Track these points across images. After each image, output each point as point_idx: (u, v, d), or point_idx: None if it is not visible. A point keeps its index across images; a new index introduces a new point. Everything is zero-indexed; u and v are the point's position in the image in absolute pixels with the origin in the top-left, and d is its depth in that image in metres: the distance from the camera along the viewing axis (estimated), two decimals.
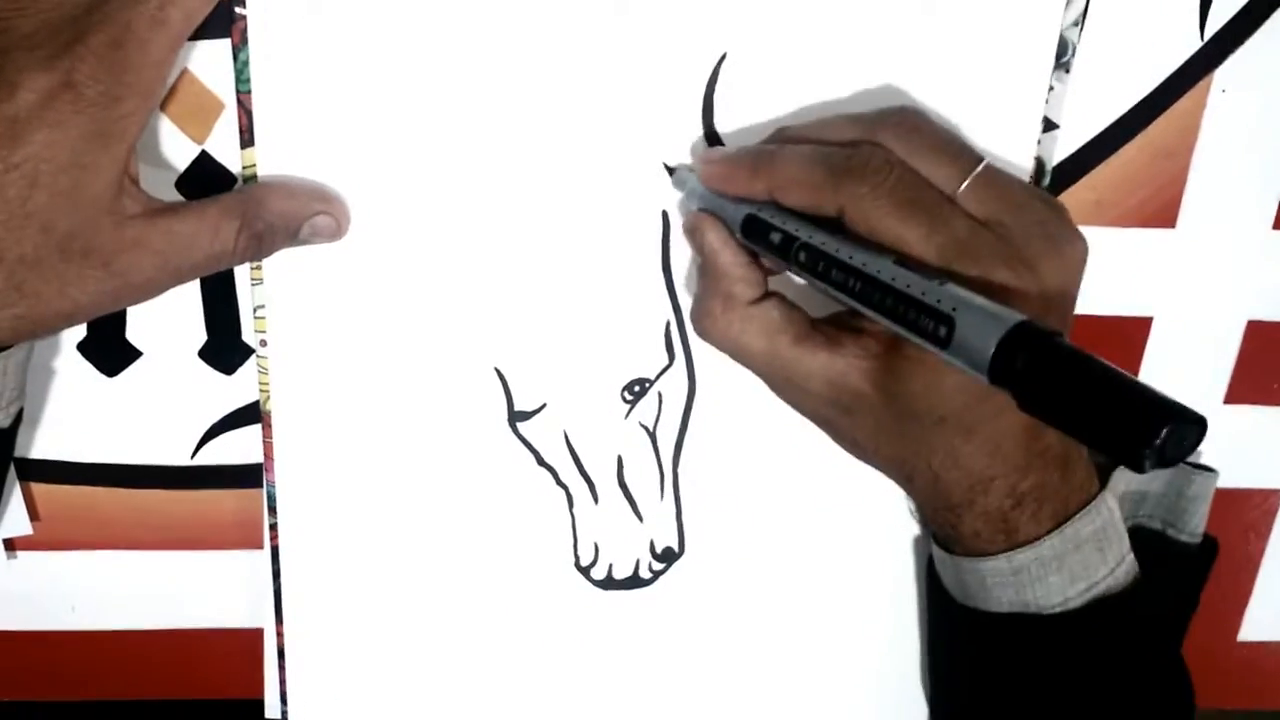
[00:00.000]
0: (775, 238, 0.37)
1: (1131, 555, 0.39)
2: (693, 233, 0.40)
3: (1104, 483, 0.39)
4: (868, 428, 0.39)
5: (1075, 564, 0.38)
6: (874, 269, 0.34)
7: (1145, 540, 0.40)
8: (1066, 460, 0.38)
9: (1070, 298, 0.37)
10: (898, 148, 0.36)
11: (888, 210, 0.35)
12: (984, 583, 0.39)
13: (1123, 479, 0.41)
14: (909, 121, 0.37)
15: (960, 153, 0.37)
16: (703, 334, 0.40)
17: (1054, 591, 0.38)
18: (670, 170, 0.42)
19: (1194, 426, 0.27)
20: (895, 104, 0.40)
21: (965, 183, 0.36)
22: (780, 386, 0.40)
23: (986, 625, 0.40)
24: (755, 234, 0.38)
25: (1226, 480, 0.49)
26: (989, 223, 0.35)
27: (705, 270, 0.40)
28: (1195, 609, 0.44)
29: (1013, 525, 0.38)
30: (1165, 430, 0.27)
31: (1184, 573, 0.44)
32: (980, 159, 0.37)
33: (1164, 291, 0.46)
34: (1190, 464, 0.45)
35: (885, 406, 0.37)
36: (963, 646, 0.42)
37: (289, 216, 0.39)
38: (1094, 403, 0.28)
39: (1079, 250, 0.37)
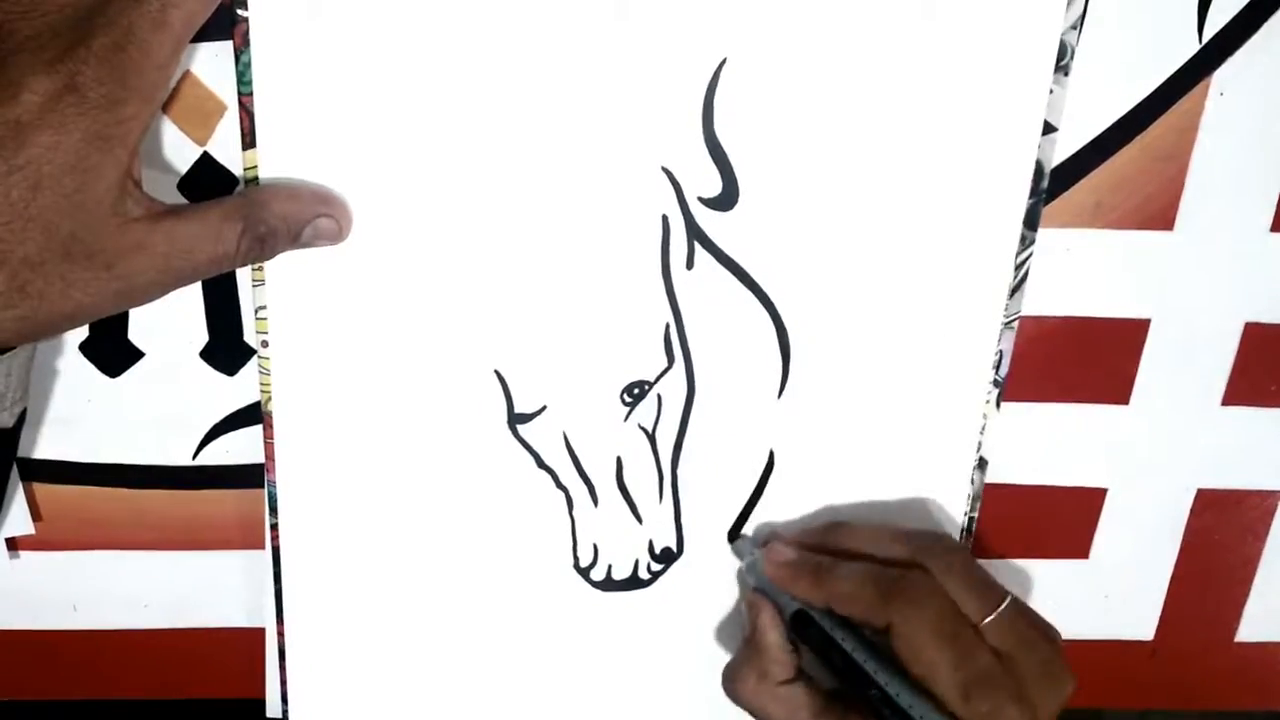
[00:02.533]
0: (819, 640, 0.43)
1: None
2: (749, 610, 0.45)
3: None
4: None
5: None
6: (905, 703, 0.40)
7: None
8: None
9: None
10: (938, 573, 0.42)
11: (928, 638, 0.40)
12: None
13: None
14: (950, 552, 0.43)
15: (990, 587, 0.42)
16: (731, 694, 0.45)
17: None
18: (732, 539, 0.47)
19: None
20: (933, 528, 0.47)
21: (991, 618, 0.41)
22: None
23: None
24: (801, 628, 0.44)
25: (1225, 481, 0.49)
26: (1004, 656, 0.41)
27: (749, 642, 0.45)
28: None
29: None
30: None
31: None
32: (1005, 595, 0.42)
33: (1162, 294, 0.46)
34: None
35: None
36: None
37: (291, 219, 0.39)
38: None
39: (1070, 688, 0.42)
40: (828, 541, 0.45)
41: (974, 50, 0.41)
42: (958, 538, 0.48)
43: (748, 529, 0.47)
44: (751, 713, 0.45)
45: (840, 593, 0.43)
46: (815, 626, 0.43)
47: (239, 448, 0.46)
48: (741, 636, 0.47)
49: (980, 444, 0.47)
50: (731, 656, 0.46)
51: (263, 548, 0.46)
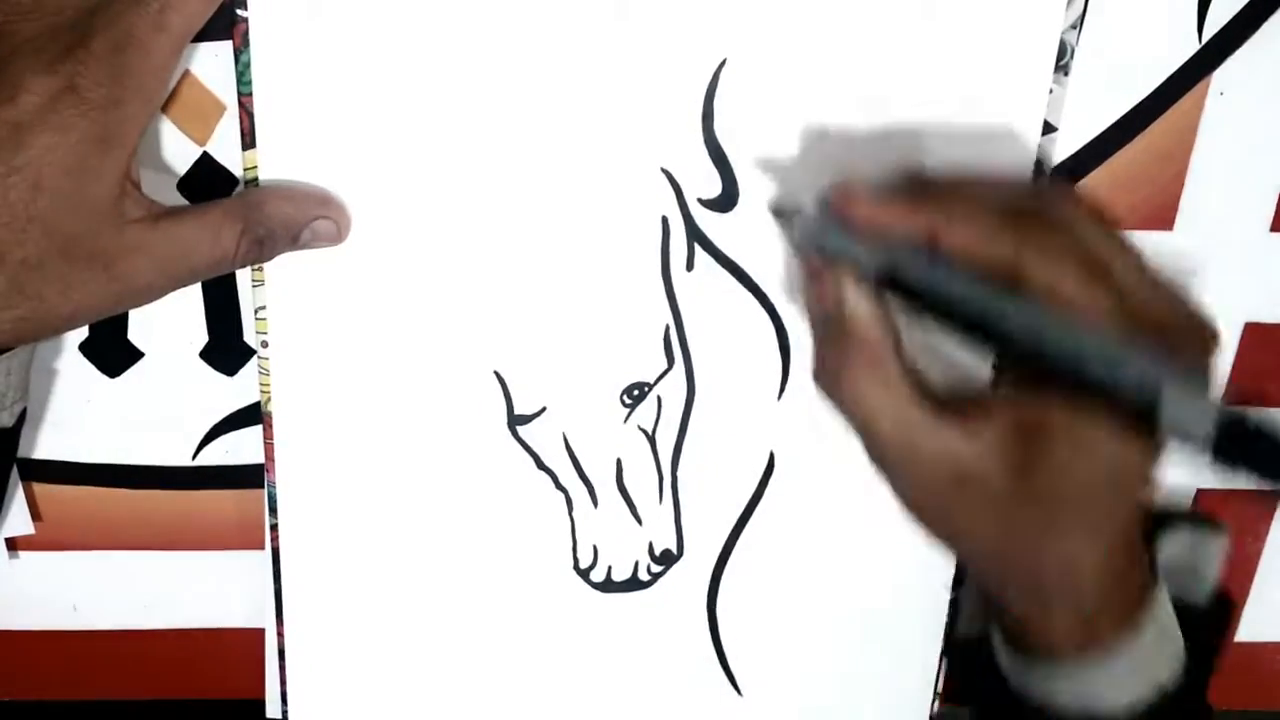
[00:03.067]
0: (931, 294, 0.33)
1: (1183, 644, 0.38)
2: (821, 282, 0.35)
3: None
4: (983, 513, 0.35)
5: (1143, 665, 0.37)
6: (1071, 337, 0.31)
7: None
8: (1143, 550, 0.37)
9: None
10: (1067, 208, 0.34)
11: (1071, 271, 0.32)
12: (1056, 685, 0.37)
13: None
14: (1071, 194, 0.36)
15: (1120, 236, 0.34)
16: (833, 393, 0.36)
17: (1124, 694, 0.37)
18: (778, 214, 0.39)
19: None
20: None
21: (1126, 264, 0.33)
22: (898, 462, 0.36)
23: None
24: (898, 285, 0.34)
25: (1223, 482, 0.49)
26: (1147, 307, 0.33)
27: (837, 324, 0.35)
28: (1214, 671, 0.42)
29: (1097, 624, 0.36)
30: None
31: (1204, 637, 0.41)
32: (1128, 237, 0.34)
33: None
34: (1203, 521, 0.43)
35: (1012, 492, 0.34)
36: None
37: (290, 221, 0.39)
38: None
39: (1219, 342, 0.34)
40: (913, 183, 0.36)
41: (974, 50, 0.41)
42: None
43: (749, 526, 0.47)
44: (854, 415, 0.36)
45: (955, 212, 0.33)
46: (918, 276, 0.33)
47: (239, 448, 0.46)
48: (813, 324, 0.38)
49: None
50: (728, 657, 0.45)
51: (263, 548, 0.46)
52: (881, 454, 0.36)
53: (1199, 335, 0.34)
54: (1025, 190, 0.35)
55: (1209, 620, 0.42)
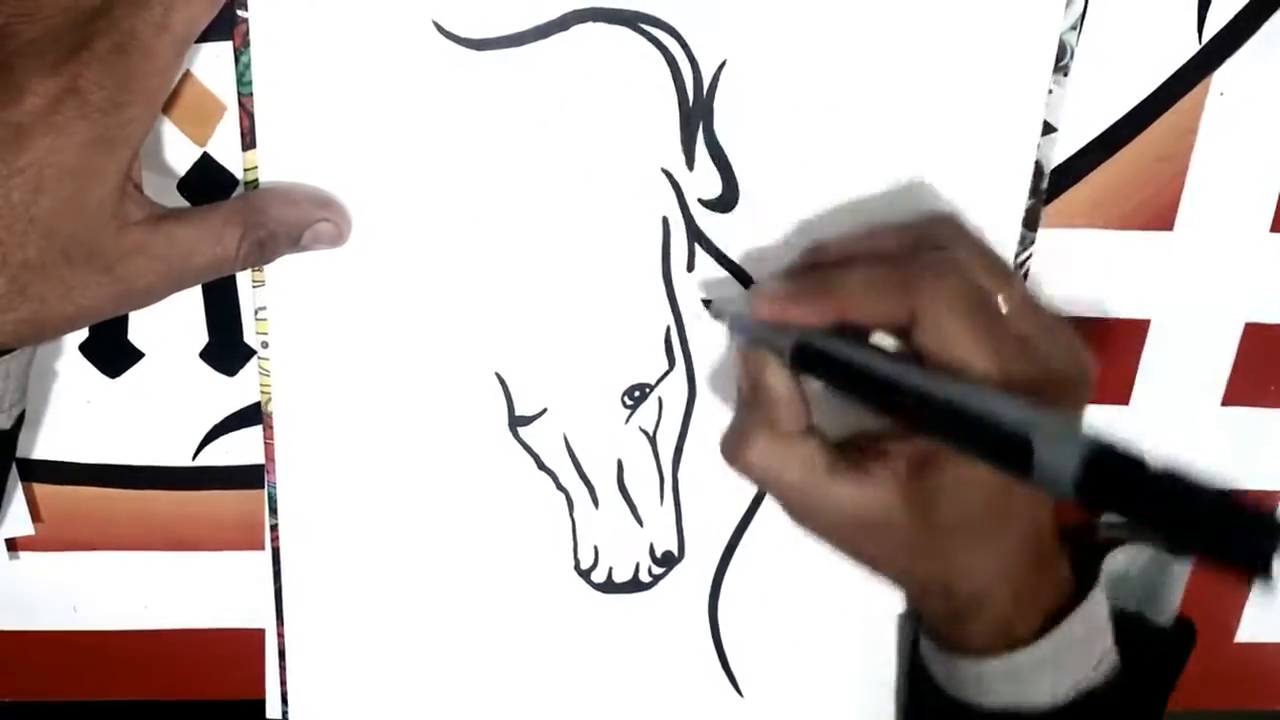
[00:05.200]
0: (831, 367, 0.36)
1: (1114, 648, 0.40)
2: (747, 369, 0.39)
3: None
4: (889, 546, 0.39)
5: (1067, 662, 0.39)
6: (947, 394, 0.33)
7: (1124, 622, 0.41)
8: (1056, 559, 0.40)
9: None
10: (953, 250, 0.37)
11: (961, 322, 0.34)
12: (979, 681, 0.40)
13: (1109, 564, 0.42)
14: (957, 229, 0.38)
15: (1003, 266, 0.37)
16: (738, 460, 0.39)
17: (1045, 690, 0.39)
18: (707, 304, 0.43)
19: None
20: (932, 208, 0.41)
21: (1010, 296, 0.36)
22: (805, 515, 0.39)
23: None
24: (808, 363, 0.37)
25: (1225, 482, 0.49)
26: (1028, 342, 0.36)
27: (752, 399, 0.39)
28: (1171, 691, 0.44)
29: (1013, 628, 0.39)
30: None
31: (1160, 655, 0.45)
32: (1015, 272, 0.37)
33: (1162, 294, 0.46)
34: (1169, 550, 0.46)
35: (911, 525, 0.37)
36: None
37: (291, 223, 0.39)
38: (1197, 523, 0.28)
39: (1094, 373, 0.37)
40: (817, 263, 0.40)
41: (974, 50, 0.41)
42: None
43: (750, 527, 0.47)
44: (761, 480, 0.40)
45: (851, 290, 0.36)
46: (821, 352, 0.36)
47: (239, 448, 0.46)
48: (737, 401, 0.41)
49: None
50: (729, 658, 0.46)
51: (263, 548, 0.46)
52: (790, 510, 0.40)
53: (1075, 369, 0.37)
54: (915, 236, 0.37)
55: (1169, 640, 0.45)
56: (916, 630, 0.44)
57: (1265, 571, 0.27)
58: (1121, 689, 0.40)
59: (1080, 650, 0.39)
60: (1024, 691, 0.39)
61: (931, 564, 0.38)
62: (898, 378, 0.34)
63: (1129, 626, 0.41)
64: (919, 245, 0.37)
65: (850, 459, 0.38)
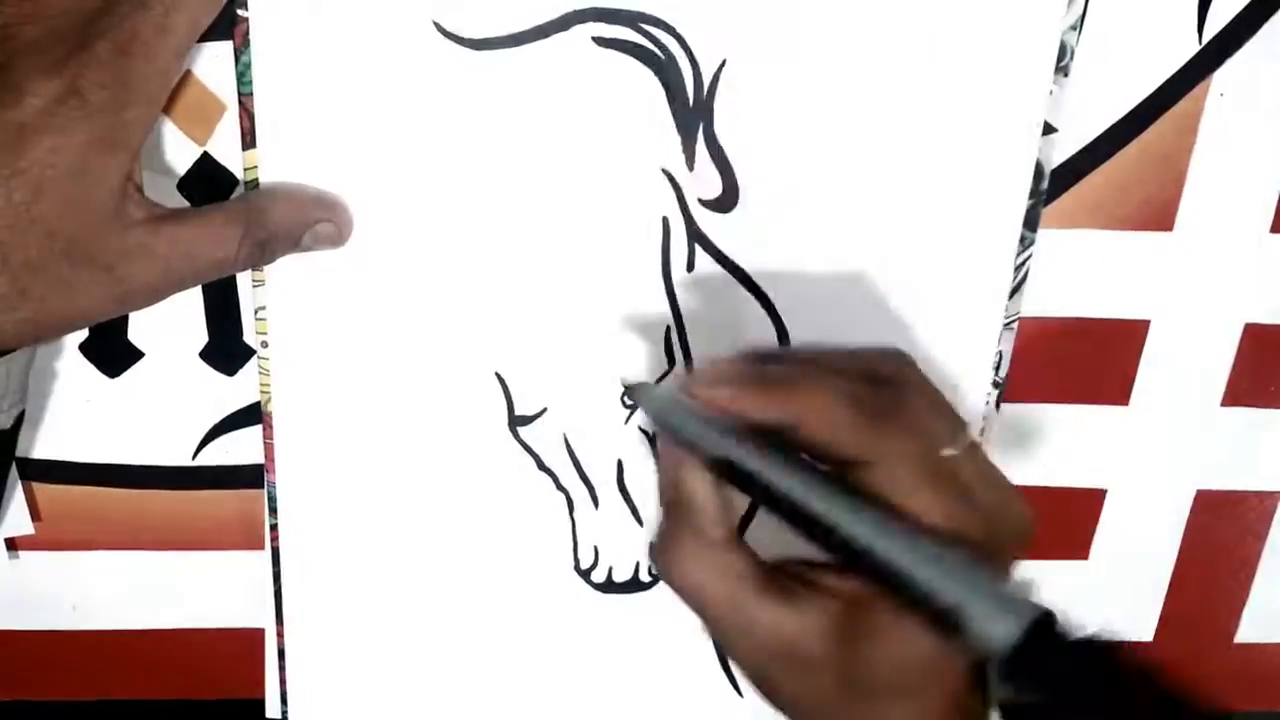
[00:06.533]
0: (753, 482, 0.33)
1: None
2: (662, 465, 0.36)
3: None
4: (810, 689, 0.35)
5: None
6: (880, 544, 0.31)
7: None
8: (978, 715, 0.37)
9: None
10: (907, 395, 0.35)
11: (921, 477, 0.33)
12: None
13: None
14: (913, 370, 0.36)
15: (953, 412, 0.36)
16: (663, 569, 0.36)
17: None
18: (627, 389, 0.41)
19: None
20: (886, 344, 0.38)
21: (957, 449, 0.34)
22: (728, 636, 0.36)
23: None
24: (735, 474, 0.34)
25: (1224, 482, 0.49)
26: (969, 493, 0.34)
27: (674, 504, 0.36)
28: None
29: None
30: None
31: None
32: (964, 421, 0.35)
33: (1161, 295, 0.46)
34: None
35: (836, 670, 0.34)
36: None
37: (292, 225, 0.39)
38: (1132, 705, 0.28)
39: (1032, 530, 0.36)
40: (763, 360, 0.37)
41: (974, 50, 0.41)
42: None
43: (750, 528, 0.47)
44: (686, 594, 0.36)
45: (810, 407, 0.33)
46: (746, 469, 0.33)
47: (239, 448, 0.46)
48: (659, 499, 0.38)
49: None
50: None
51: (262, 548, 0.46)
52: (712, 628, 0.36)
53: (1014, 523, 0.35)
54: (871, 374, 0.35)
55: None
56: None
57: None
58: None
59: None
60: None
61: (848, 713, 0.35)
62: (826, 514, 0.32)
63: None
64: (868, 379, 0.35)
65: (782, 582, 0.35)
